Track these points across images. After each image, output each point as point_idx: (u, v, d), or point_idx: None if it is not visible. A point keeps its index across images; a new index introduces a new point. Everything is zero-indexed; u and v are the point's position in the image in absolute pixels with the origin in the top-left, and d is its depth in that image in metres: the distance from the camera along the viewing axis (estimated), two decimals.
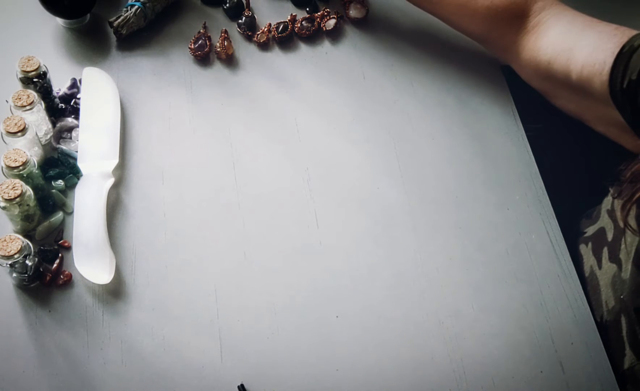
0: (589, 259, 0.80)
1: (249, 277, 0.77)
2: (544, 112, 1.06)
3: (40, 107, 0.81)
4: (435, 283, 0.79)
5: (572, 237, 0.85)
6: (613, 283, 0.76)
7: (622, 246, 0.75)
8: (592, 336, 0.76)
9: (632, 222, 0.70)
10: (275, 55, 0.97)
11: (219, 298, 0.75)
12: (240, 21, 0.99)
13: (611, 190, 0.80)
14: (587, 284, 0.79)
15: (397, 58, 0.99)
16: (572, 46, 0.76)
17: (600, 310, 0.77)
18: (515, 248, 0.82)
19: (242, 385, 0.69)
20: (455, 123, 0.92)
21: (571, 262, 0.81)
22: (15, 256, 0.68)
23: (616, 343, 0.75)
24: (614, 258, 0.77)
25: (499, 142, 0.91)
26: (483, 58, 1.00)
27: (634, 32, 0.72)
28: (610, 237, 0.79)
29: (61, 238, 0.77)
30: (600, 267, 0.77)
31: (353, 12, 1.02)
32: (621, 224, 0.73)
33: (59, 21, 0.96)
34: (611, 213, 0.81)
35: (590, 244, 0.80)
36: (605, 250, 0.77)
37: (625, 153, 0.78)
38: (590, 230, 0.81)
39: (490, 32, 0.85)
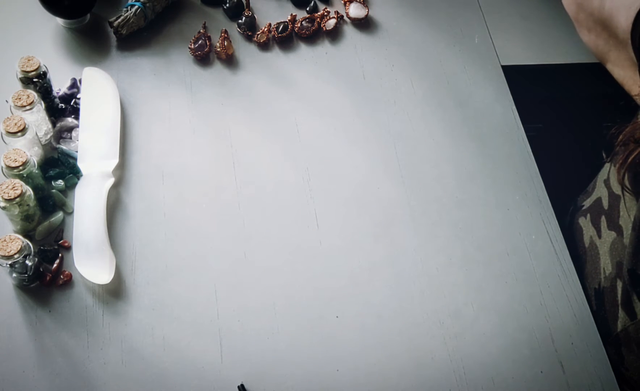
0: (588, 230, 0.81)
1: (249, 277, 0.77)
2: (544, 112, 1.06)
3: (40, 107, 0.81)
4: (435, 283, 0.79)
5: (570, 218, 0.86)
6: (611, 249, 0.77)
7: (622, 212, 0.76)
8: (592, 335, 0.76)
9: (628, 184, 0.71)
10: (275, 55, 0.98)
11: (219, 298, 0.75)
12: (240, 21, 0.99)
13: (604, 155, 0.81)
14: (587, 254, 0.80)
15: (397, 58, 0.99)
16: None
17: (598, 278, 0.78)
18: (515, 248, 0.82)
19: (242, 385, 0.69)
20: (455, 123, 0.93)
21: (571, 262, 0.81)
22: (15, 256, 0.68)
23: (611, 308, 0.76)
24: (613, 225, 0.78)
25: (499, 142, 0.91)
26: (483, 58, 1.00)
27: None
28: (606, 205, 0.80)
29: (61, 238, 0.77)
30: (600, 236, 0.78)
31: (353, 12, 1.02)
32: (618, 188, 0.73)
33: (59, 21, 0.96)
34: (607, 182, 0.82)
35: (588, 216, 0.81)
36: (604, 218, 0.78)
37: (615, 118, 0.78)
38: (587, 203, 0.83)
39: None
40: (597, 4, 0.73)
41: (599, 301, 0.77)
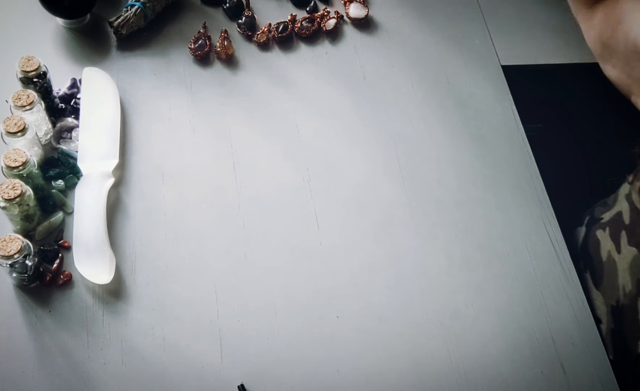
0: (606, 244, 0.80)
1: (249, 277, 0.77)
2: (544, 112, 1.06)
3: (40, 107, 0.81)
4: (436, 283, 0.79)
5: (586, 229, 0.86)
6: (632, 267, 0.76)
7: None
8: (593, 336, 0.76)
9: None
10: (275, 55, 0.97)
11: (219, 298, 0.75)
12: (240, 21, 0.99)
13: (629, 177, 0.81)
14: (604, 268, 0.79)
15: (397, 58, 0.99)
16: (630, 10, 0.76)
17: (617, 294, 0.77)
18: (515, 249, 0.82)
19: (242, 385, 0.69)
20: (455, 123, 0.92)
21: (571, 262, 0.81)
22: (15, 256, 0.68)
23: (630, 327, 0.76)
24: (634, 241, 0.77)
25: (499, 142, 0.91)
26: (483, 58, 1.00)
27: None
28: (627, 220, 0.80)
29: (61, 238, 0.77)
30: (619, 252, 0.78)
31: (353, 12, 1.02)
32: (639, 205, 0.73)
33: (59, 21, 0.96)
34: (629, 197, 0.82)
35: (607, 229, 0.80)
36: (624, 234, 0.78)
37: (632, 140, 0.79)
38: (607, 216, 0.82)
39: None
40: (622, 39, 0.74)
41: (616, 318, 0.77)
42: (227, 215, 0.81)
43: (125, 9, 0.95)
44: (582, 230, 0.87)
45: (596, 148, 0.90)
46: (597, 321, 0.79)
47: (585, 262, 0.83)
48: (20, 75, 0.81)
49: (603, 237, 0.81)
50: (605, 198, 0.85)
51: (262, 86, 0.94)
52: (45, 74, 0.83)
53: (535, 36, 1.03)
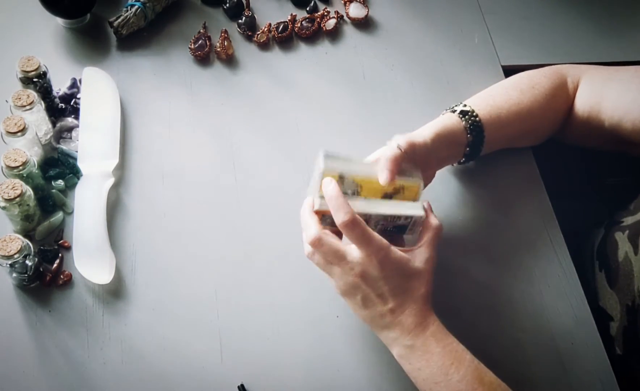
0: (624, 245, 0.80)
1: (249, 277, 0.77)
2: None
3: (40, 107, 0.81)
4: (435, 282, 0.78)
5: (605, 230, 0.86)
6: None
7: None
8: (593, 335, 0.76)
9: None
10: (275, 55, 0.98)
11: (219, 298, 0.75)
12: (240, 21, 0.99)
13: None
14: (620, 269, 0.80)
15: (397, 58, 0.99)
16: (599, 99, 0.82)
17: (632, 295, 0.77)
18: (514, 249, 0.82)
19: (242, 385, 0.69)
20: None
21: (571, 262, 0.81)
22: (15, 256, 0.68)
23: None
24: None
25: None
26: (483, 58, 1.00)
27: None
28: None
29: (61, 238, 0.77)
30: (635, 253, 0.78)
31: (353, 12, 1.02)
32: None
33: (59, 21, 0.96)
34: None
35: (627, 232, 0.81)
36: None
37: None
38: (628, 220, 0.82)
39: (554, 126, 0.88)
40: (596, 125, 0.81)
41: (631, 317, 0.77)
42: (227, 214, 0.81)
43: (125, 9, 0.95)
44: (601, 232, 0.87)
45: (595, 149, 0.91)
46: (609, 319, 0.80)
47: (601, 262, 0.83)
48: (20, 75, 0.81)
49: (621, 239, 0.82)
50: (626, 203, 0.85)
51: (262, 86, 0.94)
52: (45, 73, 0.83)
53: (536, 36, 1.03)
